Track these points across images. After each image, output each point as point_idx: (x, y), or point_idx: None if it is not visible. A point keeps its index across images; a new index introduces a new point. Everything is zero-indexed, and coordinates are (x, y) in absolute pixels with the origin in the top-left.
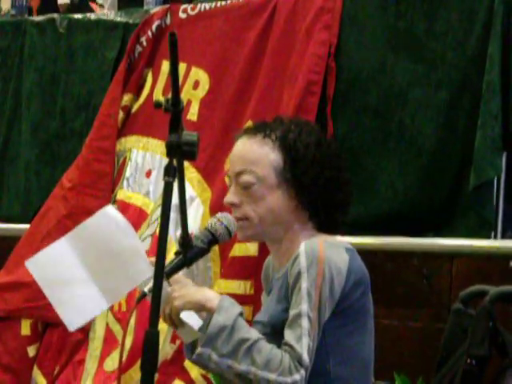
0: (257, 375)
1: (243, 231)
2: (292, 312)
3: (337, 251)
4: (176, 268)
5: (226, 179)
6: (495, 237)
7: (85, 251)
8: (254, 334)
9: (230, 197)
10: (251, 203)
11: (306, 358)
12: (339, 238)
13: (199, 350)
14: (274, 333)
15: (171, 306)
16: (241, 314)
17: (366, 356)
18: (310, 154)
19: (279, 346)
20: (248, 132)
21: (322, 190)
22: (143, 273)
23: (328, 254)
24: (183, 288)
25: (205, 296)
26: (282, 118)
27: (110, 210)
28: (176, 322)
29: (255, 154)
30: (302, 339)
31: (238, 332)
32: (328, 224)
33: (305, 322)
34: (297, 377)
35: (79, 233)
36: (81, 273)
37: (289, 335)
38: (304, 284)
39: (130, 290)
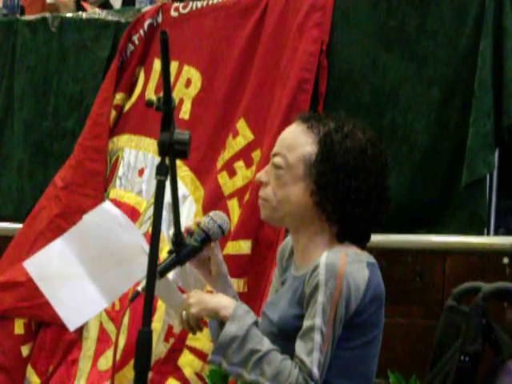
0: None
1: (263, 210)
2: (306, 323)
3: (357, 266)
4: (169, 266)
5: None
6: (488, 233)
7: (83, 250)
8: (265, 344)
9: (261, 174)
10: (275, 186)
11: (315, 372)
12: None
13: (210, 357)
14: (281, 334)
15: (187, 313)
16: (255, 323)
17: (369, 369)
18: (344, 158)
19: (285, 349)
20: (300, 118)
21: (341, 197)
22: (144, 268)
23: (348, 269)
24: (199, 294)
25: (220, 303)
26: (340, 116)
27: (108, 205)
28: (194, 327)
29: (293, 141)
30: (312, 353)
31: (249, 342)
32: (346, 234)
33: (317, 337)
34: None
35: (77, 231)
36: (79, 272)
37: (300, 348)
38: (320, 298)
39: (130, 286)
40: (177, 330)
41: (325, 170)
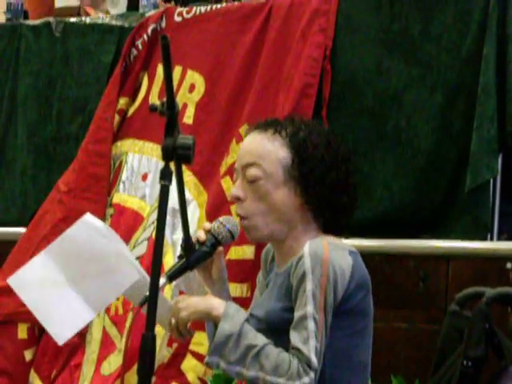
0: (266, 381)
1: (250, 234)
2: (297, 314)
3: (341, 253)
4: (179, 271)
5: (234, 174)
6: (491, 238)
7: (66, 262)
8: (260, 339)
9: (236, 190)
10: (255, 199)
11: (314, 360)
12: (342, 241)
13: (207, 358)
14: (270, 329)
15: (177, 318)
16: (247, 320)
17: (363, 359)
18: (318, 153)
19: (276, 344)
20: (259, 127)
21: (327, 190)
22: (129, 277)
23: (332, 256)
24: (188, 298)
25: (210, 304)
26: (293, 117)
27: (90, 217)
28: (183, 333)
29: (264, 149)
30: (308, 341)
31: (244, 339)
32: (332, 226)
33: (311, 324)
34: (306, 380)
35: (59, 245)
36: (64, 285)
37: (295, 338)
38: (309, 285)
39: (116, 296)
40: None
41: (307, 169)
